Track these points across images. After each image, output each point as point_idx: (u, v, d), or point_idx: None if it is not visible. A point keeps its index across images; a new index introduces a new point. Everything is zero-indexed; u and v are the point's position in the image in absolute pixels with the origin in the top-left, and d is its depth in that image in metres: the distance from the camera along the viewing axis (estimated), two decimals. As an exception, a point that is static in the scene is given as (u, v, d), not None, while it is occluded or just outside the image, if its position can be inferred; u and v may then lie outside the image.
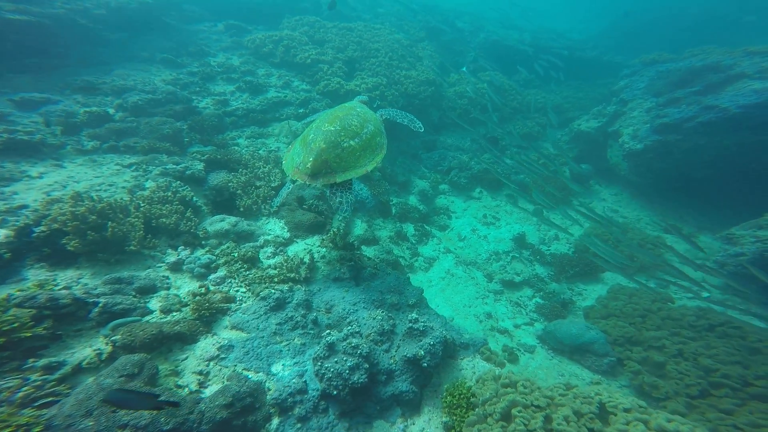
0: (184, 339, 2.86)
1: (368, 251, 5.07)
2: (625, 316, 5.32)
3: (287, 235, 4.19)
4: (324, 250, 4.02)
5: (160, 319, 3.03)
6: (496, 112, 9.26)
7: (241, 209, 4.41)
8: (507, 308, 5.75)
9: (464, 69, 11.57)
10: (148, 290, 3.26)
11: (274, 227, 4.31)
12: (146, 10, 7.97)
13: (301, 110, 6.67)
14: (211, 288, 3.41)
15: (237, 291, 3.44)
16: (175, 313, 3.10)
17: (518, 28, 16.13)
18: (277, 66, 8.10)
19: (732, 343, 4.77)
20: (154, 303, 3.17)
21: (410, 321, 2.93)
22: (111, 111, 5.62)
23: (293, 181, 3.78)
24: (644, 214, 8.12)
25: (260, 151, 5.64)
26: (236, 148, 5.65)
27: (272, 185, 4.70)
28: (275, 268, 3.64)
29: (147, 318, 3.01)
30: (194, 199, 4.32)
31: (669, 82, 8.91)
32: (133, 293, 3.14)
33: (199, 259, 3.63)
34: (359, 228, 5.52)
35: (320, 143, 3.36)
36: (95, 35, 7.19)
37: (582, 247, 6.85)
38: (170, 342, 2.81)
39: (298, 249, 4.06)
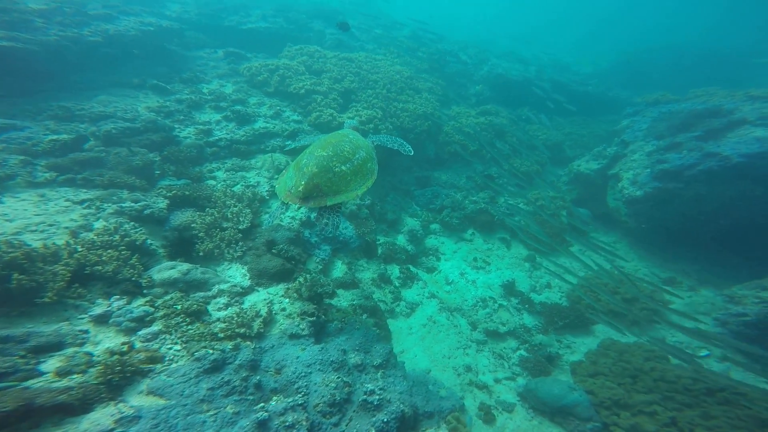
0: (71, 410, 2.50)
1: (345, 296, 5.06)
2: (614, 376, 5.18)
3: (247, 283, 4.12)
4: (287, 301, 3.98)
5: (46, 383, 2.65)
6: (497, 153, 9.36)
7: (201, 254, 4.34)
8: (489, 360, 5.65)
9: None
10: (51, 348, 2.95)
11: (235, 274, 4.25)
12: (146, 38, 8.32)
13: (288, 143, 6.80)
14: (137, 345, 3.19)
15: (170, 349, 3.24)
16: (75, 376, 2.75)
17: (523, 61, 16.56)
18: (270, 95, 8.36)
19: (736, 413, 4.54)
20: (52, 363, 2.84)
21: (365, 393, 2.90)
22: (84, 139, 5.54)
23: (285, 204, 3.96)
24: (642, 265, 8.04)
25: (236, 187, 5.64)
26: (212, 182, 5.65)
27: (240, 227, 4.63)
28: (224, 322, 3.52)
29: (27, 383, 2.62)
30: (148, 242, 4.16)
31: (671, 124, 9.02)
32: (23, 353, 2.82)
33: (132, 311, 3.42)
34: (338, 270, 5.53)
35: (312, 168, 3.60)
36: (86, 61, 7.39)
37: (575, 298, 6.77)
38: (42, 416, 2.40)
39: (258, 300, 4.00)
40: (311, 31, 13.47)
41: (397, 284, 6.70)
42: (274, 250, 4.52)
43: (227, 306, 3.82)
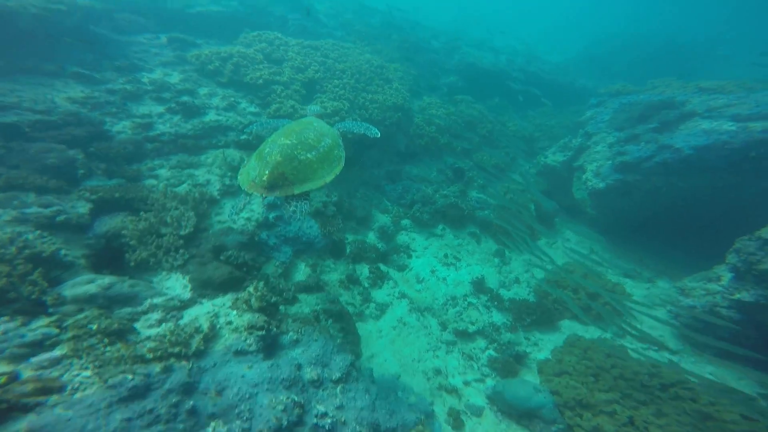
0: None
1: (309, 300, 4.89)
2: (578, 374, 5.34)
3: (188, 295, 3.84)
4: (234, 313, 3.73)
5: None
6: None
7: (132, 264, 3.99)
8: (458, 362, 5.68)
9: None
10: None
11: (174, 285, 3.94)
12: (59, 18, 7.44)
13: (243, 137, 6.38)
14: (25, 375, 2.75)
15: (76, 376, 2.85)
16: None
17: (494, 50, 16.63)
18: (224, 86, 7.85)
19: (684, 407, 4.83)
20: None
21: (317, 416, 2.77)
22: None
23: (249, 195, 3.82)
24: (607, 257, 8.31)
25: (181, 187, 5.22)
26: (153, 181, 5.20)
27: (181, 233, 4.28)
28: (154, 341, 3.21)
29: None
30: (62, 252, 3.70)
31: (630, 116, 9.31)
32: None
33: (24, 335, 2.96)
34: (301, 273, 5.35)
35: (276, 156, 3.51)
36: None
37: (541, 293, 6.91)
38: None
39: (200, 313, 3.72)
40: (272, 16, 12.83)
41: (367, 285, 6.58)
42: (222, 257, 4.22)
43: (160, 322, 3.50)
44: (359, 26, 14.34)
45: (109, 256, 4.01)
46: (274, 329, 3.54)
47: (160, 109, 6.41)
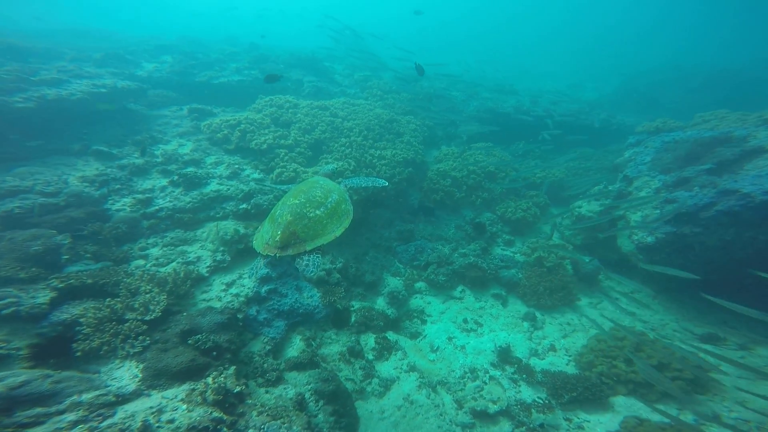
0: None
1: (299, 380, 4.98)
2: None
3: (132, 387, 3.81)
4: (183, 408, 3.62)
5: None
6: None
7: (79, 354, 4.09)
8: (477, 453, 5.34)
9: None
10: None
11: (123, 375, 4.00)
12: (96, 100, 8.99)
13: (243, 206, 6.97)
14: None
15: None
16: None
17: (515, 92, 17.34)
18: (230, 153, 8.83)
19: None
20: None
21: None
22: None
23: (265, 257, 4.29)
24: (671, 318, 7.76)
25: (167, 267, 5.61)
26: (141, 262, 5.71)
27: (147, 318, 4.51)
28: None
29: None
30: None
31: (676, 156, 9.16)
32: None
33: None
34: (295, 348, 5.49)
35: (287, 216, 4.03)
36: (27, 128, 7.72)
37: (585, 363, 6.50)
38: None
39: (140, 409, 3.60)
40: (288, 80, 14.50)
41: (371, 357, 6.56)
42: (190, 341, 4.35)
43: (75, 424, 3.31)
44: (374, 81, 15.68)
45: (59, 347, 4.15)
46: (223, 429, 3.40)
47: (164, 182, 7.23)
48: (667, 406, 5.73)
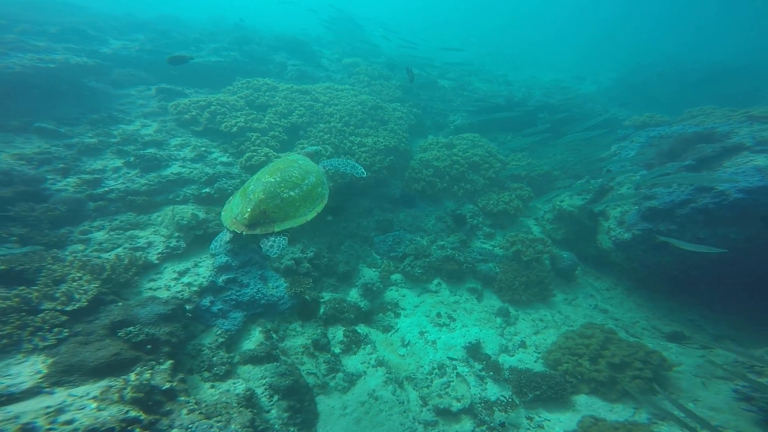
0: None
1: (253, 373, 4.86)
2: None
3: (28, 384, 3.44)
4: (92, 406, 3.27)
5: None
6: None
7: None
8: (436, 452, 5.29)
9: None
10: None
11: (22, 371, 3.62)
12: (44, 75, 8.55)
13: (205, 190, 6.71)
14: None
15: None
16: None
17: (508, 83, 17.09)
18: (198, 135, 8.52)
19: None
20: None
21: None
22: None
23: (232, 233, 4.25)
24: (642, 316, 7.76)
25: (112, 252, 5.27)
26: (80, 246, 5.36)
27: (67, 309, 4.14)
28: None
29: None
30: None
31: (660, 151, 9.06)
32: None
33: None
34: (253, 340, 5.34)
35: (259, 194, 3.98)
36: None
37: (552, 361, 6.46)
38: None
39: (33, 408, 3.21)
40: (271, 63, 14.11)
41: (338, 351, 6.46)
42: (120, 333, 4.01)
43: None
44: (362, 67, 15.32)
45: None
46: (136, 431, 3.08)
47: (118, 163, 6.85)
48: (625, 405, 5.76)
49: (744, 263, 7.26)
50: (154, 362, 3.70)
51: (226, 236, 4.31)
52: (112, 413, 3.08)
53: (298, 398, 5.09)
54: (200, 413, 3.34)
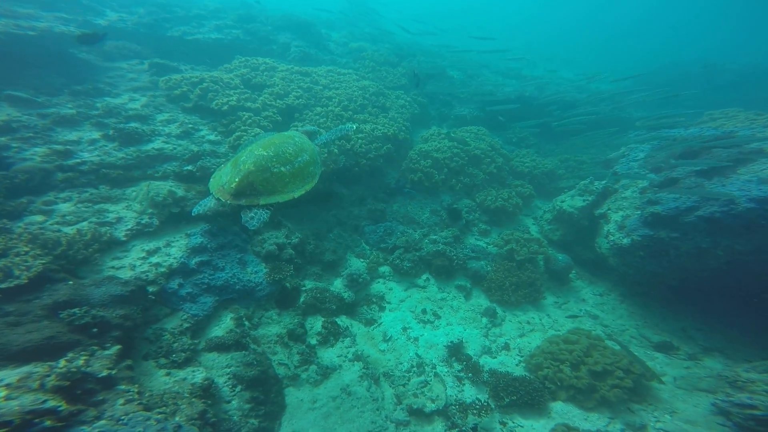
0: None
1: (217, 361, 4.73)
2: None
3: None
4: (1, 394, 2.93)
5: None
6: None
7: None
8: (405, 454, 5.14)
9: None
10: None
11: None
12: (32, 42, 8.38)
13: (188, 167, 6.49)
14: None
15: None
16: None
17: (521, 77, 16.57)
18: (188, 112, 8.31)
19: None
20: None
21: None
22: None
23: (218, 200, 4.27)
24: (632, 324, 7.50)
25: (69, 228, 4.89)
26: (39, 217, 5.05)
27: (2, 286, 3.79)
28: None
29: None
30: None
31: (671, 154, 8.66)
32: None
33: None
34: (222, 327, 5.20)
35: (249, 165, 4.02)
36: None
37: (534, 365, 6.26)
38: None
39: None
40: (275, 43, 13.81)
41: (314, 342, 6.31)
42: (62, 315, 3.73)
43: None
44: (368, 52, 14.95)
45: None
46: (47, 423, 2.74)
47: (96, 135, 6.62)
48: (601, 414, 5.57)
49: (746, 276, 6.95)
50: (96, 347, 3.48)
51: (210, 202, 4.32)
52: (21, 402, 2.78)
53: (264, 389, 4.96)
54: (139, 404, 3.12)
